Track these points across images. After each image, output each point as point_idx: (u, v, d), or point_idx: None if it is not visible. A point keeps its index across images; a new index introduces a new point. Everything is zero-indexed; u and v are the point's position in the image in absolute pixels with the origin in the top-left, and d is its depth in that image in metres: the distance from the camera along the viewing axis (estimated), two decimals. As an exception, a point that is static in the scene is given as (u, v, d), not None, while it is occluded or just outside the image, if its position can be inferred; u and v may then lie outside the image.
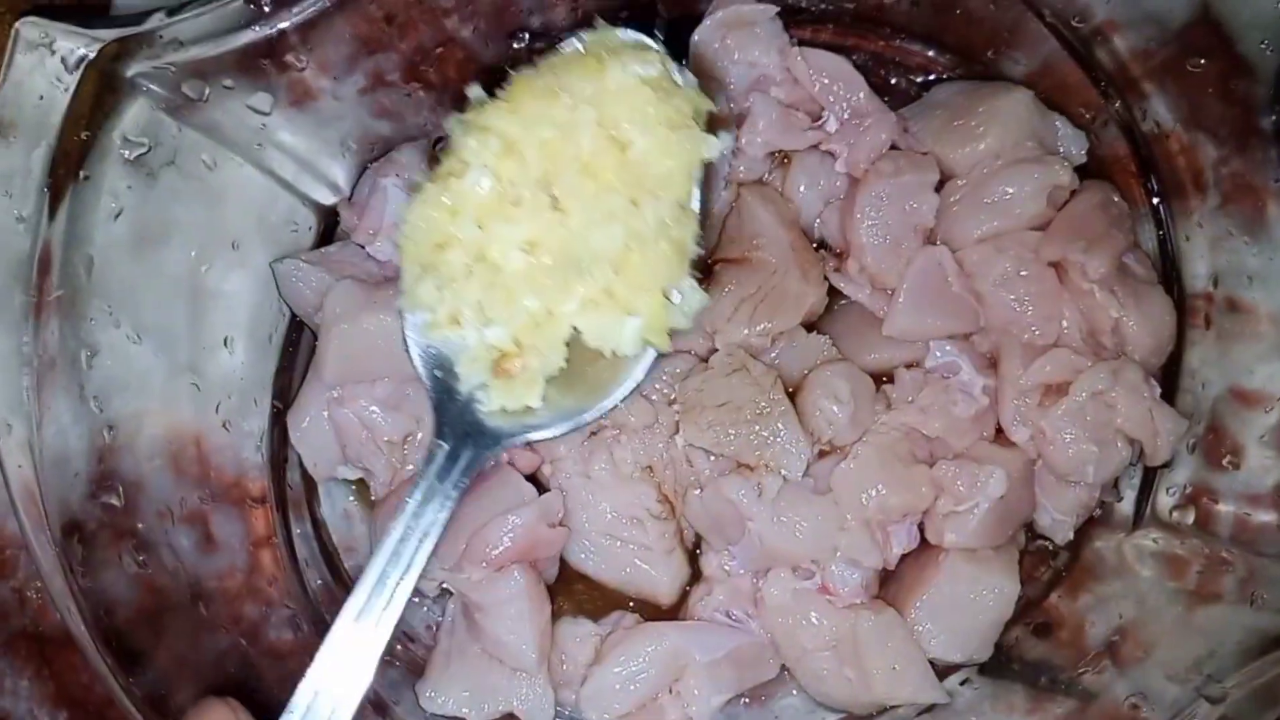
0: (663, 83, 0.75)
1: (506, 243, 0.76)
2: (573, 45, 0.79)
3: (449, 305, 0.79)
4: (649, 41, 0.79)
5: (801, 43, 1.02)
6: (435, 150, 1.02)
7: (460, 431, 0.82)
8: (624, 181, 0.75)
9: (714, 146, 0.76)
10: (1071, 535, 1.01)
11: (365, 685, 0.77)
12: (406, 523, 0.81)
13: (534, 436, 0.84)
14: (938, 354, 1.00)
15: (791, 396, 0.98)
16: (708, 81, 0.80)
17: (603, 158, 0.75)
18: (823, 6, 1.05)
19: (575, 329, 0.79)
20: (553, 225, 0.76)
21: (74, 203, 0.78)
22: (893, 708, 0.99)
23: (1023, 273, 0.98)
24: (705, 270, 0.80)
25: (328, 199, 1.00)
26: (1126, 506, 1.02)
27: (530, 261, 0.76)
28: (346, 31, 0.90)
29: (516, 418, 0.81)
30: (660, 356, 0.82)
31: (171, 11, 0.77)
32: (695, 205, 0.79)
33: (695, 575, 1.02)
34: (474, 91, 0.79)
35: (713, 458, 0.97)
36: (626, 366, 0.82)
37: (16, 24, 0.75)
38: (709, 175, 0.80)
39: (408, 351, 0.84)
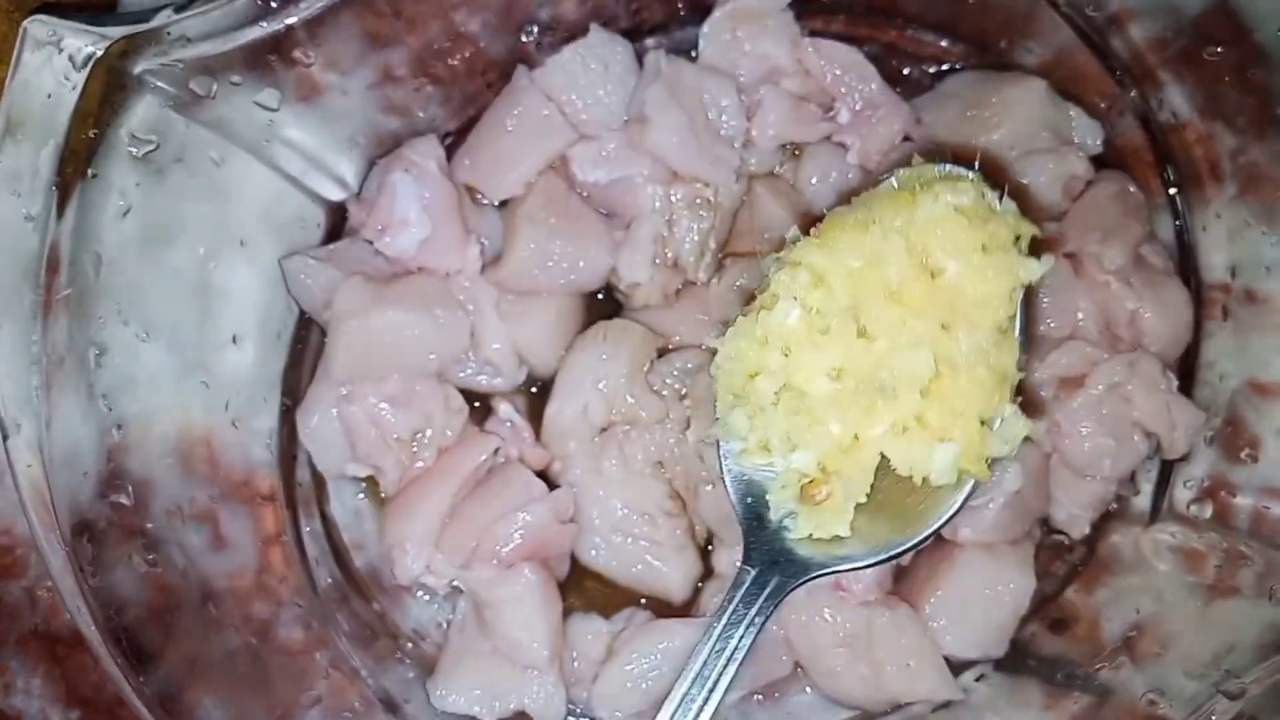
0: (976, 210, 0.76)
1: (812, 369, 0.78)
2: (889, 183, 0.81)
3: (759, 433, 0.81)
4: (964, 172, 0.80)
5: (813, 34, 1.01)
6: (445, 146, 1.01)
7: (768, 558, 0.84)
8: (934, 307, 0.76)
9: (1033, 270, 0.76)
10: (1088, 529, 1.00)
11: None
12: (712, 646, 0.82)
13: (843, 567, 0.84)
14: (952, 347, 1.00)
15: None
16: (1024, 206, 0.81)
17: (911, 285, 0.76)
18: (834, -3, 1.04)
19: (884, 456, 0.79)
20: (859, 352, 0.77)
21: (82, 201, 0.78)
22: (907, 704, 0.99)
23: (1038, 264, 0.98)
24: (1022, 393, 0.81)
25: (336, 195, 1.00)
26: (1143, 500, 1.01)
27: (836, 387, 0.78)
28: (354, 27, 0.89)
29: (826, 547, 0.82)
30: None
31: (179, 8, 0.77)
32: (1018, 329, 0.79)
33: (708, 572, 1.01)
34: (791, 233, 0.83)
35: (725, 453, 0.97)
36: (941, 496, 0.82)
37: (24, 22, 0.75)
38: (1030, 298, 0.81)
39: (722, 477, 0.87)
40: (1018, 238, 0.78)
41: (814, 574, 0.84)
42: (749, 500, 0.85)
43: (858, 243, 0.78)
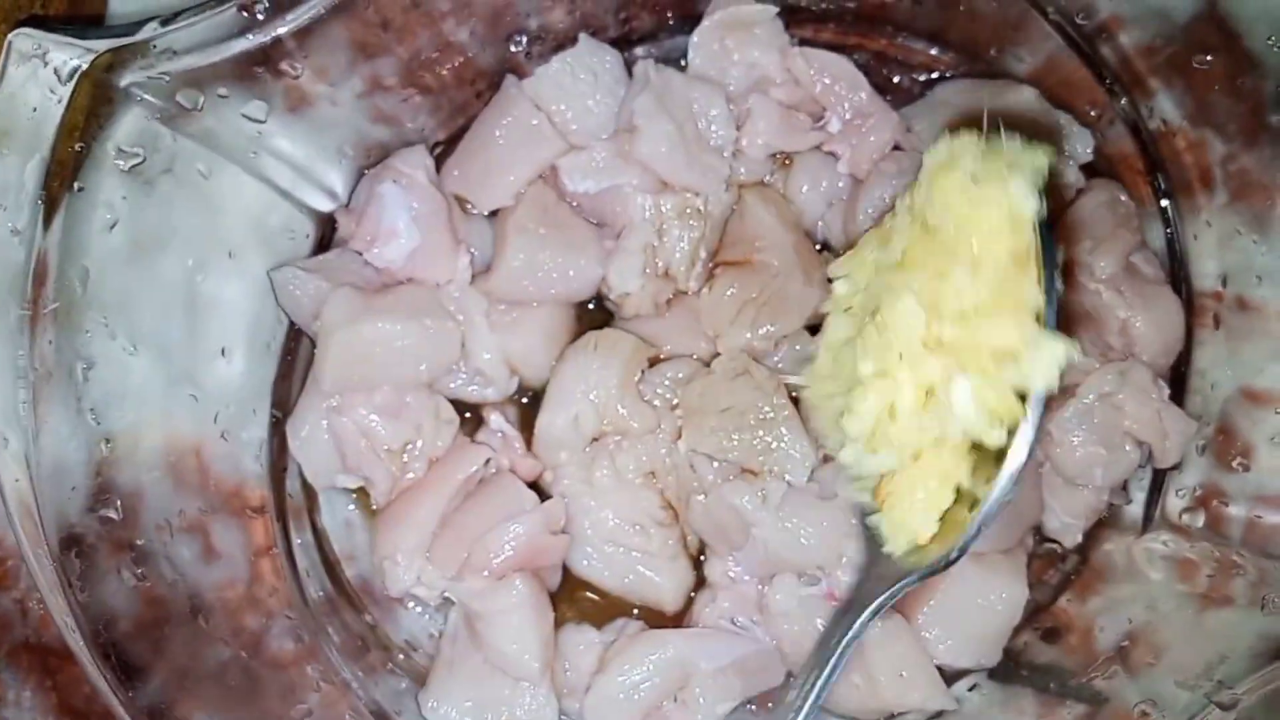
0: (960, 155, 0.74)
1: (850, 364, 0.81)
2: None
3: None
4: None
5: (802, 42, 1.01)
6: (434, 156, 1.01)
7: (875, 575, 0.87)
8: (930, 258, 0.75)
9: (1018, 189, 0.71)
10: (1080, 538, 1.00)
11: None
12: (810, 666, 0.86)
13: (924, 572, 0.83)
14: (943, 356, 0.99)
15: (795, 401, 0.97)
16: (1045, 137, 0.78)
17: (914, 249, 0.77)
18: (824, 5, 1.04)
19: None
20: (870, 328, 0.79)
21: (69, 214, 0.78)
22: (900, 714, 0.98)
23: (1029, 273, 0.97)
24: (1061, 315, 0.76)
25: (325, 206, 0.99)
26: (1136, 509, 1.01)
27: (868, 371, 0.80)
28: (342, 37, 0.89)
29: (918, 557, 0.83)
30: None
31: (165, 21, 0.77)
32: (1038, 254, 0.74)
33: (700, 581, 1.01)
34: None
35: (716, 463, 0.96)
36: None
37: (9, 36, 0.74)
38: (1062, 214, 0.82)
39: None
40: (1022, 169, 0.74)
41: (908, 581, 0.84)
42: (866, 525, 0.87)
43: (873, 235, 0.81)
